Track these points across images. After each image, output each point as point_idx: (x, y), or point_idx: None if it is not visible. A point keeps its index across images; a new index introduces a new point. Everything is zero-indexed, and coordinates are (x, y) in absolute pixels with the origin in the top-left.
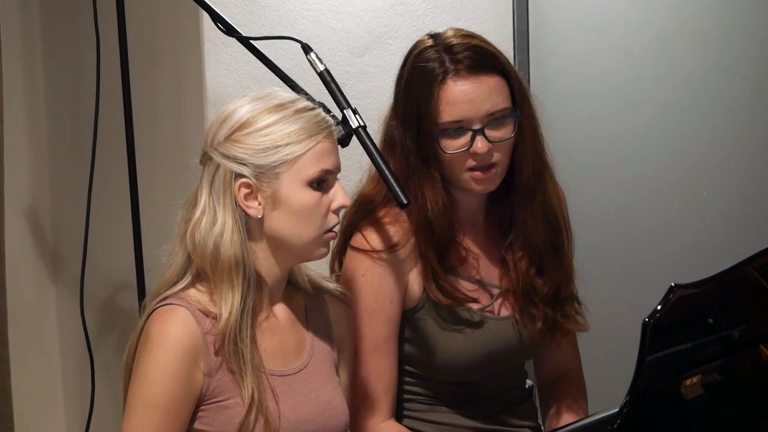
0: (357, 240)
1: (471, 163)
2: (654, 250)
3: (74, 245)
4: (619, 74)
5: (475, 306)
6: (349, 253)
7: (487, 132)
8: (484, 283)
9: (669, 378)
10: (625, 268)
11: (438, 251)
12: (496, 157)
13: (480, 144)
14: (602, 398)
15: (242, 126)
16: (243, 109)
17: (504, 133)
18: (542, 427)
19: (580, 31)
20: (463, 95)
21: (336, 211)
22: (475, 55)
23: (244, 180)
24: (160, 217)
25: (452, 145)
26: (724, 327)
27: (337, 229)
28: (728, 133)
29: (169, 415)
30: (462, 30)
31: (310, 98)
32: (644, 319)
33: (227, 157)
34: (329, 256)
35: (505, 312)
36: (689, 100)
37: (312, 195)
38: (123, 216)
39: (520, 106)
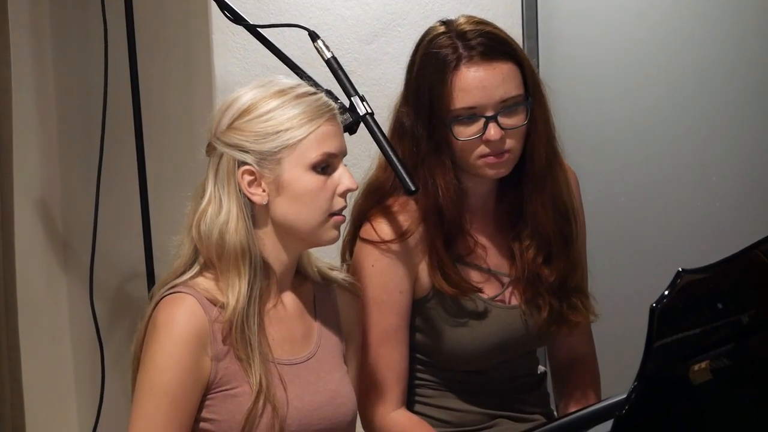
0: (366, 230)
1: (484, 150)
2: (663, 236)
3: (84, 235)
4: (628, 60)
5: (485, 295)
6: (358, 244)
7: (500, 119)
8: (494, 271)
9: (677, 363)
10: (633, 253)
11: (446, 239)
12: (509, 144)
13: (493, 131)
14: (610, 384)
15: (243, 113)
16: (244, 97)
17: (517, 120)
18: (555, 413)
19: (589, 17)
20: (477, 81)
21: (342, 195)
22: (488, 42)
23: (246, 167)
24: (168, 207)
25: (465, 132)
26: (733, 312)
27: (345, 212)
28: (738, 119)
29: (177, 402)
30: (474, 17)
31: (316, 85)
32: (651, 305)
33: (230, 145)
34: (340, 245)
35: (515, 301)
36: (699, 86)
37: (315, 179)
38: (132, 205)
39: (532, 94)
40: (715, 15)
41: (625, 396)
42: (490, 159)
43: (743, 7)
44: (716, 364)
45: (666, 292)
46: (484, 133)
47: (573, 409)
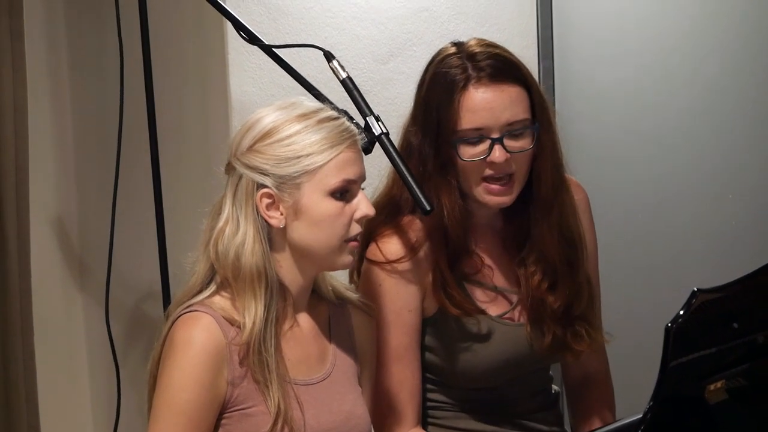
0: (371, 251)
1: (488, 172)
2: (679, 254)
3: (100, 254)
4: (643, 79)
5: (492, 313)
6: (365, 265)
7: (506, 142)
8: (501, 289)
9: (693, 383)
10: (649, 271)
11: (450, 259)
12: (514, 167)
13: (498, 153)
14: (626, 403)
15: (264, 136)
16: (266, 119)
17: (523, 144)
18: None
19: (605, 37)
20: (484, 103)
21: (359, 221)
22: (497, 64)
23: (265, 190)
24: (184, 225)
25: (470, 153)
26: (748, 331)
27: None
28: (755, 137)
29: (193, 421)
30: (485, 39)
31: (333, 106)
32: (667, 324)
33: (249, 167)
34: None
35: (523, 319)
36: (715, 105)
37: (334, 205)
38: (148, 225)
39: (539, 119)
40: (733, 34)
41: (640, 416)
42: (493, 187)
43: (761, 28)
44: (732, 384)
45: (681, 312)
46: (489, 155)
47: (587, 429)
